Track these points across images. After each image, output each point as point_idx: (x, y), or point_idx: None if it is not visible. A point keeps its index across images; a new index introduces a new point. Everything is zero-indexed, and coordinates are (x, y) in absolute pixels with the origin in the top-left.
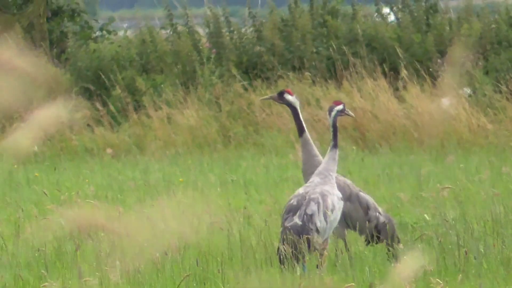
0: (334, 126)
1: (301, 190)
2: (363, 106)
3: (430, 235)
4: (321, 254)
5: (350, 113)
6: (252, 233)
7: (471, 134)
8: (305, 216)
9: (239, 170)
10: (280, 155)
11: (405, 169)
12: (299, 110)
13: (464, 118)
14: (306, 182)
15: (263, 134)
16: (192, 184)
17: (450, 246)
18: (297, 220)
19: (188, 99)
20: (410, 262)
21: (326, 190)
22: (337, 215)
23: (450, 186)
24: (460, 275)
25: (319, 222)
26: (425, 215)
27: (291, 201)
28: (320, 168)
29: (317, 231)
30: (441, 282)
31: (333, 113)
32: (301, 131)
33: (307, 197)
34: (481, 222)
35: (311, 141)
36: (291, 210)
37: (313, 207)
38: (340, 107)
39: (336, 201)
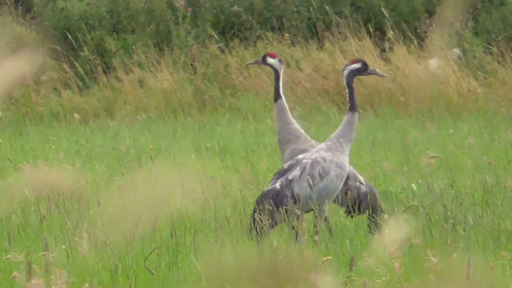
0: (349, 87)
1: (301, 155)
2: None
3: (417, 206)
4: (298, 225)
5: (379, 72)
6: (228, 203)
7: (461, 99)
8: (285, 181)
9: (214, 136)
10: (257, 120)
11: (390, 135)
12: (280, 74)
13: (453, 82)
14: (282, 152)
15: (239, 97)
16: (165, 151)
17: (437, 217)
18: (277, 184)
19: (162, 61)
20: (394, 234)
21: (323, 156)
22: (331, 182)
23: (437, 155)
24: (448, 249)
25: (298, 188)
26: (412, 185)
27: (284, 165)
28: (333, 134)
29: (293, 198)
30: (433, 258)
31: (345, 72)
32: (276, 96)
33: (299, 163)
34: (471, 192)
35: (287, 108)
36: (279, 173)
37: (295, 172)
38: (356, 65)
39: (332, 168)
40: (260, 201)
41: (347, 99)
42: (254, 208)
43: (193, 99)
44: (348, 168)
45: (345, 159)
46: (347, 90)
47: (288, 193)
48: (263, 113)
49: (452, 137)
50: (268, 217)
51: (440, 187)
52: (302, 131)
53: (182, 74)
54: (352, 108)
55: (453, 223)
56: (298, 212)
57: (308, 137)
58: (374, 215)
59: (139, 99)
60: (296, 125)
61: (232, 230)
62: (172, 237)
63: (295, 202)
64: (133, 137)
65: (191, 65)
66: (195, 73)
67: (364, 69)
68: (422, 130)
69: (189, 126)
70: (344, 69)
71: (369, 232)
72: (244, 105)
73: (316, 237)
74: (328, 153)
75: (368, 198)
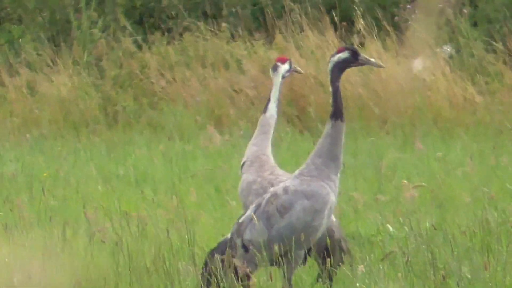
0: (333, 85)
1: (272, 189)
2: (303, 69)
3: (395, 252)
4: (247, 280)
5: (375, 62)
6: (148, 248)
7: (453, 110)
8: (235, 225)
9: (128, 160)
10: (185, 140)
11: (361, 158)
12: (275, 83)
13: (443, 88)
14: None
15: (162, 109)
16: (64, 180)
17: (422, 267)
18: (229, 233)
19: (59, 61)
20: None
21: (286, 186)
22: (297, 218)
23: (423, 184)
24: None
25: (249, 232)
26: (388, 225)
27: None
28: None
29: (245, 247)
30: None
31: (330, 65)
32: (264, 109)
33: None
34: (467, 233)
35: (264, 126)
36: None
37: (249, 211)
38: (342, 55)
39: (296, 200)
40: (209, 257)
41: (331, 102)
42: (204, 265)
43: (100, 111)
44: (332, 197)
45: (321, 186)
46: (330, 90)
47: (238, 241)
48: (193, 131)
49: (442, 161)
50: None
51: (426, 227)
52: (264, 156)
53: (85, 77)
54: (335, 115)
55: (443, 275)
56: (242, 268)
57: (268, 165)
58: (329, 261)
59: (29, 110)
60: (258, 147)
61: (153, 284)
62: None
63: (246, 251)
64: (21, 160)
65: (97, 65)
66: (103, 76)
67: (354, 59)
68: (403, 151)
69: (95, 146)
70: (329, 62)
71: (318, 281)
72: (167, 120)
73: None
74: (295, 181)
75: (325, 240)
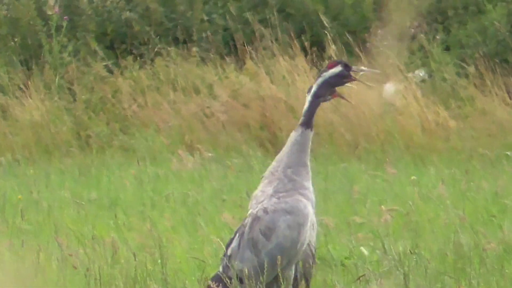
0: (317, 98)
1: (250, 211)
2: (273, 95)
3: (368, 275)
4: None
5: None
6: (119, 272)
7: (426, 135)
8: (225, 258)
9: (101, 184)
10: (157, 163)
11: (332, 183)
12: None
13: (415, 112)
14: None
15: (134, 134)
16: (36, 204)
17: None
18: (221, 266)
19: (30, 85)
20: None
21: (265, 207)
22: (284, 237)
23: (396, 208)
24: None
25: (240, 262)
26: (362, 248)
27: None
28: (280, 167)
29: (238, 277)
30: None
31: (320, 79)
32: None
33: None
34: (439, 256)
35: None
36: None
37: (234, 242)
38: (335, 70)
39: (279, 219)
40: None
41: (303, 112)
42: None
43: (72, 135)
44: (310, 208)
45: (297, 200)
46: (308, 100)
47: (230, 273)
48: (165, 155)
49: (415, 185)
50: None
51: (399, 251)
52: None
53: (57, 101)
54: (306, 124)
55: None
56: None
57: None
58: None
59: (2, 134)
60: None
61: None
62: None
63: (241, 282)
64: None
65: (69, 89)
66: (75, 100)
67: (347, 73)
68: (375, 176)
69: (67, 170)
70: (319, 76)
71: None
72: (139, 145)
73: None
74: (273, 200)
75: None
